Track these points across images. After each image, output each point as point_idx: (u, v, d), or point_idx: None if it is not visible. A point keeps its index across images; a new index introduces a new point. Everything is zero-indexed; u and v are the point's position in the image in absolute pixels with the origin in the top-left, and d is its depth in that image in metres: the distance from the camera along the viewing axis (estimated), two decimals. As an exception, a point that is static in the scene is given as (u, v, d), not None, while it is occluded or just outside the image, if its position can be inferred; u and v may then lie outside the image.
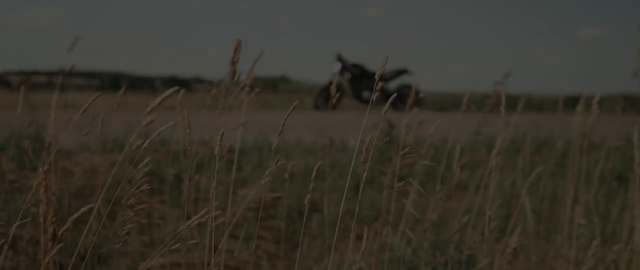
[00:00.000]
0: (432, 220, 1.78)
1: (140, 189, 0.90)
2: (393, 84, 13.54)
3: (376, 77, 0.91)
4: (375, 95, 0.95)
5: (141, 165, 0.96)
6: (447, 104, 14.83)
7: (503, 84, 1.44)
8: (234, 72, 1.31)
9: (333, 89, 1.45)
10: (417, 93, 1.82)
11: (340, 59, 12.31)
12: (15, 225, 0.89)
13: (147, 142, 0.80)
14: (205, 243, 2.14)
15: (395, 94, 0.98)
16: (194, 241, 0.95)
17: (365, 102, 12.50)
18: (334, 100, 1.42)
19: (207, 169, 3.54)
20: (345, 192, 1.02)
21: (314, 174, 0.88)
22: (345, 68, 12.24)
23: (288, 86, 27.71)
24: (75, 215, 0.74)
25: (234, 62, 1.27)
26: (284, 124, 0.88)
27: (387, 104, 0.89)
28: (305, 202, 0.85)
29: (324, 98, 11.84)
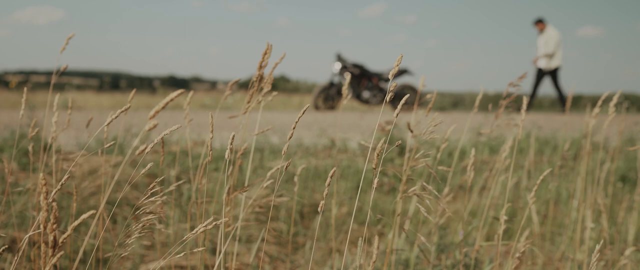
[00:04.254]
0: (439, 224, 1.75)
1: (151, 198, 0.87)
2: (391, 83, 13.50)
3: (390, 76, 0.88)
4: (389, 96, 0.92)
5: (142, 169, 0.93)
6: (447, 103, 14.81)
7: (518, 85, 1.42)
8: (261, 76, 1.28)
9: (345, 90, 1.42)
10: (425, 94, 1.80)
11: (340, 58, 12.28)
12: (29, 233, 0.86)
13: (150, 146, 0.77)
14: (207, 245, 2.11)
15: (406, 96, 0.95)
16: (201, 249, 0.92)
17: (365, 102, 12.47)
18: (344, 101, 1.39)
19: (207, 171, 3.51)
20: (343, 194, 0.99)
21: (328, 180, 0.85)
22: (345, 68, 12.22)
23: (287, 86, 27.70)
24: (77, 223, 0.71)
25: (261, 66, 1.24)
26: (294, 128, 0.85)
27: (398, 108, 0.87)
28: (318, 209, 0.82)
29: (324, 98, 11.82)
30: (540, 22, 11.89)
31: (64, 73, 1.63)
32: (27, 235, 0.89)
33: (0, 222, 2.38)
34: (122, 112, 0.95)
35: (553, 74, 11.77)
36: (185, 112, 1.51)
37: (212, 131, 1.11)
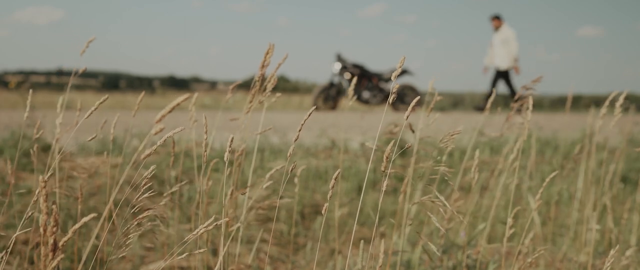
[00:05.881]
0: (443, 226, 1.73)
1: (145, 195, 0.86)
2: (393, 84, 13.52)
3: (392, 77, 0.87)
4: (391, 98, 0.91)
5: (147, 171, 0.92)
6: (447, 103, 14.80)
7: (532, 88, 1.41)
8: (262, 76, 1.27)
9: (350, 91, 1.41)
10: (426, 94, 1.79)
11: (340, 59, 12.28)
12: (17, 232, 0.85)
13: (153, 148, 0.76)
14: (208, 246, 2.10)
15: (417, 97, 0.95)
16: (203, 250, 0.90)
17: (365, 102, 12.47)
18: (350, 103, 1.38)
19: (207, 171, 3.49)
20: (344, 195, 0.98)
21: (332, 182, 0.84)
22: (345, 68, 12.21)
23: (287, 86, 27.72)
24: (77, 226, 0.70)
25: (263, 66, 1.23)
26: (300, 130, 0.84)
27: (409, 109, 0.85)
28: (322, 211, 0.81)
29: (324, 98, 11.81)
30: (497, 19, 11.66)
31: (63, 73, 1.62)
32: (14, 236, 0.88)
33: (1, 223, 2.37)
34: (95, 109, 0.94)
35: (500, 74, 11.61)
36: (190, 114, 1.50)
37: (206, 132, 1.10)
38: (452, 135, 0.98)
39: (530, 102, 1.39)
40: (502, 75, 11.61)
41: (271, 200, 1.48)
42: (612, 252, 1.09)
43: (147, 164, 3.50)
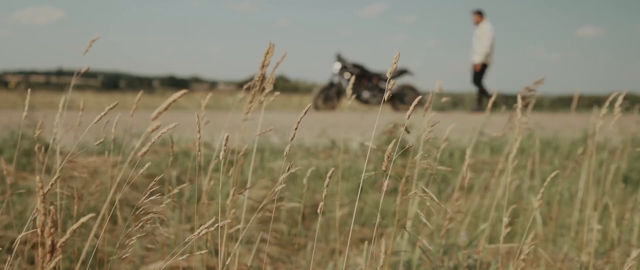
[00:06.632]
0: (444, 226, 1.73)
1: (150, 198, 0.86)
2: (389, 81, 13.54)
3: (388, 74, 0.86)
4: (386, 95, 0.90)
5: (142, 169, 0.91)
6: (447, 103, 14.80)
7: (533, 90, 1.40)
8: (263, 76, 1.27)
9: (349, 91, 1.40)
10: (440, 95, 1.78)
11: (340, 59, 12.27)
12: (21, 233, 0.84)
13: (148, 145, 0.75)
14: (209, 246, 2.09)
15: (419, 97, 0.94)
16: (204, 251, 0.90)
17: (365, 102, 12.46)
18: (348, 102, 1.38)
19: (207, 171, 3.49)
20: (344, 195, 0.97)
21: (326, 181, 0.83)
22: (344, 68, 12.20)
23: (286, 86, 27.72)
24: (75, 226, 0.69)
25: (263, 66, 1.23)
26: (296, 129, 0.83)
27: (410, 109, 0.85)
28: (318, 210, 0.81)
29: (324, 98, 11.81)
30: (478, 14, 11.54)
31: (63, 73, 1.61)
32: (19, 236, 0.87)
33: (1, 224, 2.36)
34: (105, 114, 0.94)
35: (480, 70, 11.53)
36: (202, 113, 1.50)
37: (199, 131, 1.09)
38: (432, 125, 0.98)
39: (520, 102, 1.38)
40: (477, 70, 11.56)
41: (279, 204, 1.48)
42: (633, 254, 1.08)
43: (144, 162, 3.49)
